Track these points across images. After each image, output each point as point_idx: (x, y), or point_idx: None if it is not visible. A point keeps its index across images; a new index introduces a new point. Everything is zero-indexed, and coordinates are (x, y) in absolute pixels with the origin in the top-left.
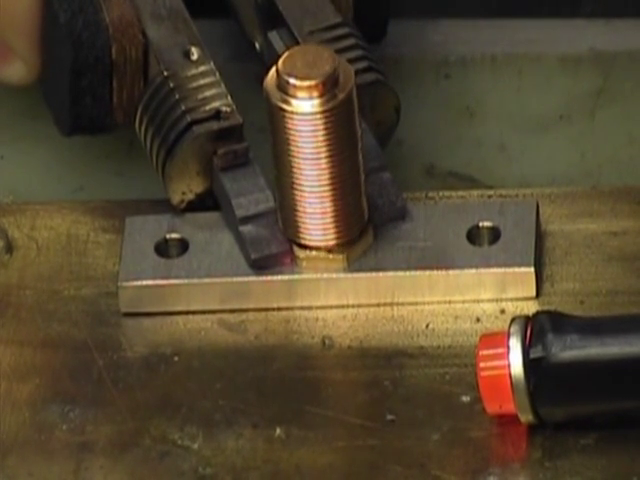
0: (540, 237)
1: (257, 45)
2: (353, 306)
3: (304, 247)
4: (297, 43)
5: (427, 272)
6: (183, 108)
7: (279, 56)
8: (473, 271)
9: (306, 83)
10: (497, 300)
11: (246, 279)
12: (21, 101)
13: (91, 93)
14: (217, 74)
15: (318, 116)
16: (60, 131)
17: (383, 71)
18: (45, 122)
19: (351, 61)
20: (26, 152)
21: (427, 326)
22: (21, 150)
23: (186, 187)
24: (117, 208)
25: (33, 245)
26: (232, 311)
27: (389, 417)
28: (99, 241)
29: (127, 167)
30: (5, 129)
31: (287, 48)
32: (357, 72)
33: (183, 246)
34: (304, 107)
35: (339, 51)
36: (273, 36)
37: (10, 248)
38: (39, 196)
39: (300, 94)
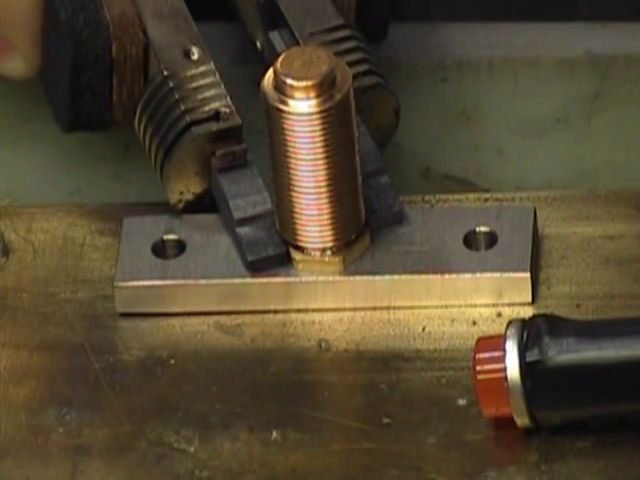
0: (537, 241)
1: (258, 44)
2: (349, 309)
3: (301, 249)
4: (298, 44)
5: (423, 276)
6: (182, 108)
7: (278, 56)
8: (469, 276)
9: (303, 83)
10: (494, 304)
11: (242, 281)
12: (17, 104)
13: (91, 90)
14: (217, 74)
15: (315, 116)
16: (59, 127)
17: (383, 74)
18: (41, 125)
19: (351, 64)
20: (22, 155)
21: (423, 329)
22: (17, 153)
23: (184, 187)
24: (113, 211)
25: (29, 248)
26: (228, 314)
27: (385, 420)
28: (95, 244)
29: (123, 170)
30: (2, 131)
31: (288, 49)
32: (357, 75)
33: (180, 247)
34: (301, 107)
35: (340, 53)
36: (274, 36)
37: (6, 251)
38: (35, 199)
39: (297, 94)
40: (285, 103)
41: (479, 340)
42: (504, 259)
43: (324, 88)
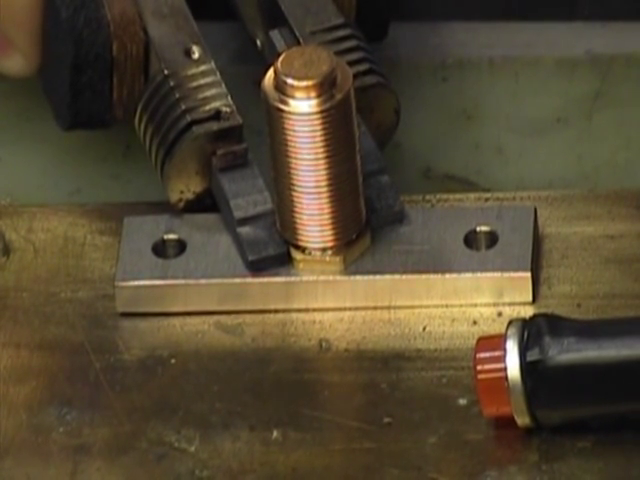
0: (537, 240)
1: (259, 43)
2: (350, 309)
3: (301, 249)
4: (298, 43)
5: (424, 276)
6: (183, 107)
7: (278, 56)
8: (470, 275)
9: (304, 83)
10: (494, 304)
11: (243, 280)
12: (18, 103)
13: (91, 89)
14: (218, 74)
15: (316, 116)
16: (59, 126)
17: (384, 73)
18: (42, 124)
19: (352, 63)
20: (23, 154)
21: (424, 329)
22: (18, 152)
23: (184, 186)
24: (114, 211)
25: (30, 247)
26: (229, 313)
27: (386, 420)
28: (96, 243)
29: (124, 170)
30: (2, 131)
31: (288, 47)
32: (358, 74)
33: (180, 247)
34: (302, 107)
35: (340, 53)
36: (274, 35)
37: (7, 250)
38: (36, 198)
39: (298, 94)
40: (286, 103)
41: (480, 340)
42: (505, 259)
43: (325, 88)
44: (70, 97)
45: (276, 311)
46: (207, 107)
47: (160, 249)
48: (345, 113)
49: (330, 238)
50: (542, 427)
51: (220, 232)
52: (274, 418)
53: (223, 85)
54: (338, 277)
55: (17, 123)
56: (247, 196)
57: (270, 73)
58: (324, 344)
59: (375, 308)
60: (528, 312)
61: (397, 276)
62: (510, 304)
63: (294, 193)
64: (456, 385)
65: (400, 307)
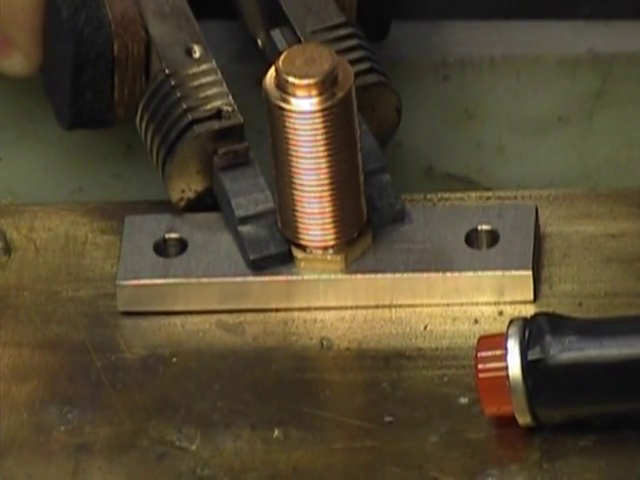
0: (539, 239)
1: (259, 42)
2: (351, 307)
3: (303, 248)
4: (299, 42)
5: (425, 274)
6: (184, 107)
7: (279, 54)
8: (471, 274)
9: (305, 81)
10: (495, 302)
11: (244, 279)
12: (19, 102)
13: (92, 89)
14: (219, 73)
15: (317, 114)
16: (60, 125)
17: (385, 72)
18: (43, 123)
19: (353, 62)
20: (24, 153)
21: (425, 328)
22: (19, 151)
23: (186, 185)
24: (115, 210)
25: (31, 246)
26: (230, 312)
27: (387, 419)
28: (97, 242)
29: (125, 169)
30: (3, 130)
31: (289, 46)
32: (359, 73)
33: (182, 246)
34: (303, 105)
35: (341, 51)
36: (275, 34)
37: (8, 249)
38: (37, 197)
39: (299, 92)
40: (287, 101)
41: (481, 338)
42: (506, 257)
43: (326, 86)
44: (71, 96)
45: (277, 310)
46: (208, 106)
47: (161, 248)
48: (346, 111)
49: (331, 237)
50: (543, 426)
51: (221, 231)
52: (275, 417)
53: (224, 84)
54: (339, 276)
55: (18, 123)
56: (248, 195)
57: (271, 71)
58: (325, 343)
59: (376, 307)
60: (529, 311)
61: (398, 275)
62: (511, 303)
63: (295, 192)
64: (457, 384)
65: (401, 306)
